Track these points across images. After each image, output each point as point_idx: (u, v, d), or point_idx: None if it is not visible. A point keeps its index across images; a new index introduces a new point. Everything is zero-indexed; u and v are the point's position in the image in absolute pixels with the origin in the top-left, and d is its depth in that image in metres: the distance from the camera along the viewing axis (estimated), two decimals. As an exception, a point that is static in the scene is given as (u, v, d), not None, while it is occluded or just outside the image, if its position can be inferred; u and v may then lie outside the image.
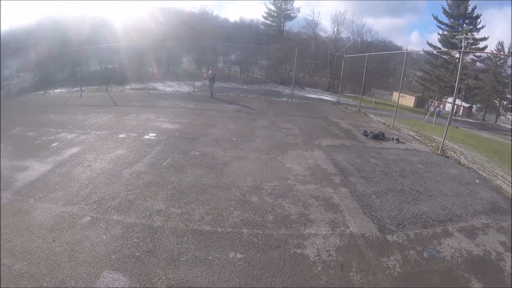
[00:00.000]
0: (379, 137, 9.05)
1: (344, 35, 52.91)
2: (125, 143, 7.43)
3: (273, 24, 54.01)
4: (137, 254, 3.54)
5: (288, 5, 52.79)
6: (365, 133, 9.32)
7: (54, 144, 7.68)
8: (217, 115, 11.04)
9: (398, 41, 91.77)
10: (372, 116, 13.53)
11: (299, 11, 54.12)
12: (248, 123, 10.01)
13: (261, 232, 4.04)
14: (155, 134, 8.15)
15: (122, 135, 8.10)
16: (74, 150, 7.12)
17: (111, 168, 5.95)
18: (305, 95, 28.42)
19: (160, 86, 23.87)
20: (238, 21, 60.82)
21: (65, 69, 35.37)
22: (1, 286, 3.36)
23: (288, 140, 8.27)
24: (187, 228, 4.04)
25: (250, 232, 4.02)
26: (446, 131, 8.69)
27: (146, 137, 7.94)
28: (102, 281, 3.17)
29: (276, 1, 52.31)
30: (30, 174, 5.95)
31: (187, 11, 50.98)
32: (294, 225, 4.23)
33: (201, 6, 61.28)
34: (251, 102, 14.95)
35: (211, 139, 7.86)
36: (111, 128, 8.91)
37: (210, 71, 16.35)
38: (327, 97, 32.74)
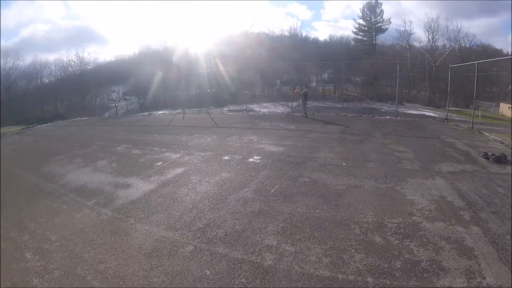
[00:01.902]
0: (501, 160, 7.46)
1: (440, 42, 48.14)
2: (229, 166, 7.27)
3: (365, 38, 51.95)
4: (245, 298, 3.12)
5: (378, 18, 50.53)
6: (486, 156, 7.79)
7: (158, 164, 7.97)
8: (321, 137, 10.37)
9: (497, 43, 79.99)
10: (487, 134, 11.46)
11: (390, 22, 50.76)
12: (355, 145, 9.07)
13: (388, 282, 3.26)
14: (259, 157, 7.83)
15: (226, 157, 8.01)
16: (179, 170, 7.22)
17: (216, 192, 5.72)
18: (406, 112, 26.24)
19: (256, 107, 24.45)
20: (328, 39, 60.21)
21: (167, 93, 38.78)
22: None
23: (403, 165, 7.13)
24: (302, 271, 3.43)
25: (376, 282, 3.27)
26: None
27: (251, 160, 7.67)
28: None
29: (366, 15, 50.63)
30: (133, 192, 6.09)
31: (277, 34, 52.32)
32: (425, 275, 3.36)
33: (290, 27, 62.27)
34: (353, 122, 13.93)
35: (319, 164, 7.18)
36: (215, 149, 8.96)
37: (302, 90, 16.01)
38: (429, 112, 29.80)
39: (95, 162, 8.89)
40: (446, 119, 15.53)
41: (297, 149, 8.58)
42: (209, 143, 9.85)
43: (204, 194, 5.66)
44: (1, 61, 46.27)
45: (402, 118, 16.04)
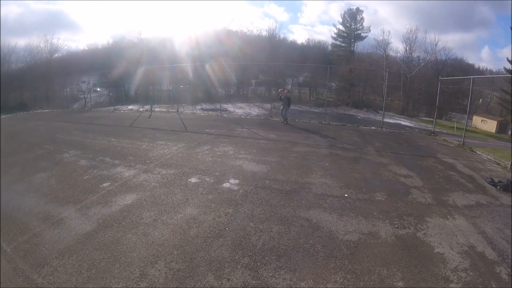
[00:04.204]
0: (509, 188, 6.71)
1: (416, 54, 48.61)
2: (197, 195, 5.48)
3: (343, 44, 52.14)
4: None
5: (358, 25, 50.75)
6: (493, 182, 6.97)
7: (105, 185, 6.12)
8: (309, 151, 8.81)
9: (470, 58, 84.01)
10: (479, 153, 10.67)
11: (370, 30, 51.41)
12: (351, 165, 7.62)
13: None
14: (237, 181, 6.10)
15: (193, 179, 6.23)
16: (129, 199, 5.42)
17: (177, 244, 3.94)
18: (384, 121, 25.76)
19: (230, 107, 23.13)
20: (305, 43, 59.92)
21: (139, 87, 36.76)
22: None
23: (415, 197, 5.74)
24: None
25: None
26: None
27: (226, 185, 5.93)
28: None
29: (346, 21, 50.64)
30: (63, 235, 4.26)
31: (256, 34, 51.30)
32: None
33: (269, 28, 61.28)
34: (338, 133, 12.57)
35: (315, 195, 5.60)
36: (180, 165, 7.18)
37: (285, 91, 14.52)
38: (405, 122, 29.82)
39: (32, 176, 6.89)
40: (433, 132, 14.67)
41: (283, 169, 6.99)
42: (174, 155, 8.05)
43: (160, 248, 3.86)
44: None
45: (388, 130, 15.02)
